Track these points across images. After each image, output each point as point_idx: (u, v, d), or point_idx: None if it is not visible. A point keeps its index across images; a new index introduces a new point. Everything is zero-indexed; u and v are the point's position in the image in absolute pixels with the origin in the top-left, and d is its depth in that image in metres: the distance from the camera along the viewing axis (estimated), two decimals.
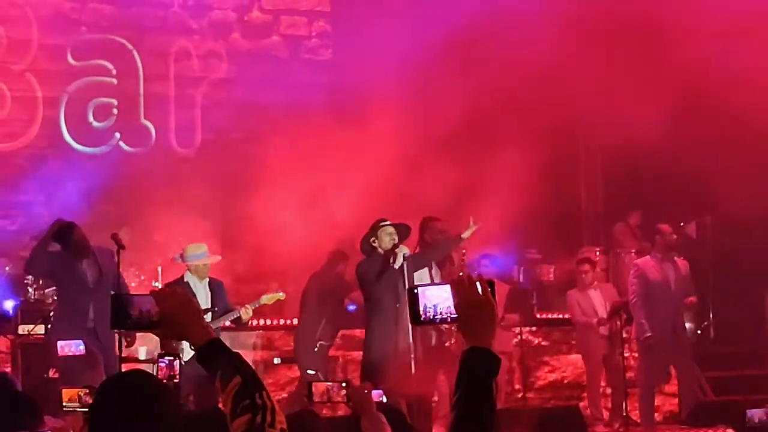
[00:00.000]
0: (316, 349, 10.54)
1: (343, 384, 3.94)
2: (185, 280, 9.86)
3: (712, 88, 11.80)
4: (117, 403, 2.84)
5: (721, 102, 11.97)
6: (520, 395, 11.98)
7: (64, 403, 5.60)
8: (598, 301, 11.66)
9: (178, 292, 2.97)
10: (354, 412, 3.87)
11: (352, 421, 3.81)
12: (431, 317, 2.84)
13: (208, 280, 9.89)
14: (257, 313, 10.39)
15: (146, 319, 2.92)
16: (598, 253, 13.53)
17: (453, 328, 2.57)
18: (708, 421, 10.44)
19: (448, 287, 2.82)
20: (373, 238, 9.47)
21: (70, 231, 9.51)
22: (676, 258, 11.25)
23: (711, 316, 13.40)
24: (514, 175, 11.46)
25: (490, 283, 2.83)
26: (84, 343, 9.04)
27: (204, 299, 9.74)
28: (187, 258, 9.85)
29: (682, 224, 12.00)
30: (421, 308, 2.83)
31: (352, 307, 11.32)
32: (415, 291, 2.85)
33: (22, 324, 10.97)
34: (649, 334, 10.90)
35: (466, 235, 9.79)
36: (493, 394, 2.73)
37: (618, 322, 11.64)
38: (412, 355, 8.88)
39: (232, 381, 2.83)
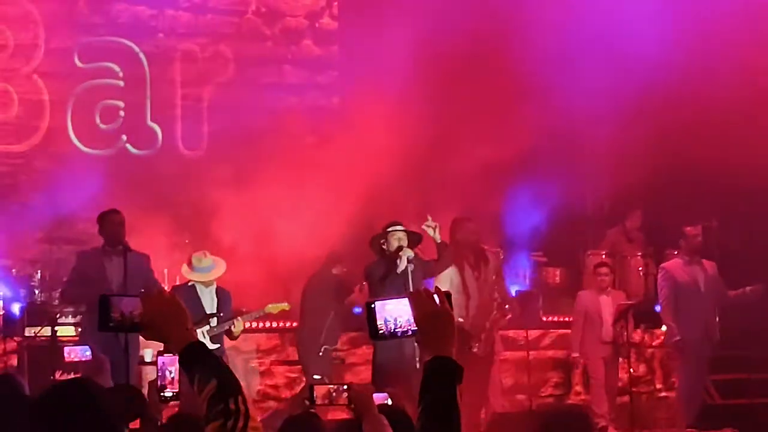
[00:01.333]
0: (321, 354, 10.51)
1: (345, 387, 3.95)
2: (191, 284, 9.86)
3: (720, 87, 11.83)
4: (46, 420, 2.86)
5: (729, 102, 11.99)
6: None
7: None
8: (606, 306, 11.64)
9: (165, 294, 2.96)
10: (356, 415, 3.88)
11: (355, 424, 3.81)
12: (392, 330, 2.85)
13: (215, 286, 9.91)
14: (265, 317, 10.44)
15: (129, 321, 2.92)
16: (604, 256, 13.51)
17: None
18: (714, 424, 10.44)
19: (406, 300, 2.84)
20: (382, 241, 9.50)
21: (105, 221, 9.49)
22: (703, 260, 11.23)
23: (717, 319, 13.36)
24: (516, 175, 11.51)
25: (447, 295, 2.87)
26: (90, 348, 9.07)
27: (210, 305, 9.76)
28: (194, 271, 9.87)
29: (688, 228, 11.94)
30: (380, 323, 2.85)
31: (358, 310, 11.31)
32: (372, 306, 2.87)
33: (28, 326, 10.98)
34: (677, 338, 10.93)
35: (437, 237, 9.62)
36: (457, 401, 2.75)
37: (625, 326, 11.65)
38: (417, 358, 8.87)
39: (208, 385, 2.81)
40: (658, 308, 11.91)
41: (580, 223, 14.61)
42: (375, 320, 2.85)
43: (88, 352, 9.01)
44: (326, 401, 3.93)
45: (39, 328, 10.82)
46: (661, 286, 11.23)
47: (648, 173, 13.02)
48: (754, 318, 11.91)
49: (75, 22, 13.41)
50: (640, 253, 13.53)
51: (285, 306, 10.13)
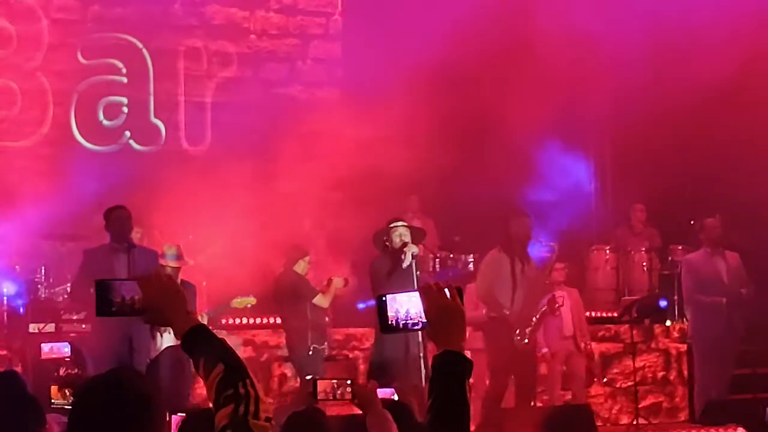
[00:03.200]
0: (310, 353, 10.37)
1: (348, 382, 3.94)
2: None
3: (724, 86, 11.80)
4: (95, 409, 2.72)
5: (733, 99, 11.97)
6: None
7: (52, 400, 5.60)
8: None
9: (163, 278, 2.91)
10: (360, 410, 3.87)
11: (359, 419, 3.80)
12: (403, 322, 2.86)
13: (179, 279, 9.87)
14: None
15: (129, 305, 2.89)
16: (608, 251, 13.50)
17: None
18: (720, 420, 10.41)
19: (416, 294, 2.87)
20: (385, 237, 9.49)
21: (110, 217, 9.53)
22: (726, 251, 11.20)
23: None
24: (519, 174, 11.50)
25: (458, 290, 2.88)
26: (70, 345, 9.13)
27: None
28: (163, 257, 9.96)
29: (692, 222, 11.94)
30: (391, 314, 2.86)
31: (361, 306, 11.29)
32: (384, 299, 2.87)
33: (32, 322, 10.98)
34: (689, 341, 10.98)
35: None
36: (467, 395, 2.76)
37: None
38: (421, 354, 8.86)
39: (215, 369, 2.75)
40: (663, 303, 11.91)
41: (584, 219, 14.58)
42: (386, 313, 2.86)
43: (67, 349, 9.05)
44: (329, 396, 3.92)
45: (43, 324, 10.82)
46: (684, 279, 11.22)
47: (657, 172, 13.05)
48: (757, 312, 11.88)
49: (78, 18, 13.40)
50: (644, 249, 13.51)
51: (251, 300, 10.06)
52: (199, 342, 2.82)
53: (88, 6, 13.46)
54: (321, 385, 3.94)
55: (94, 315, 9.20)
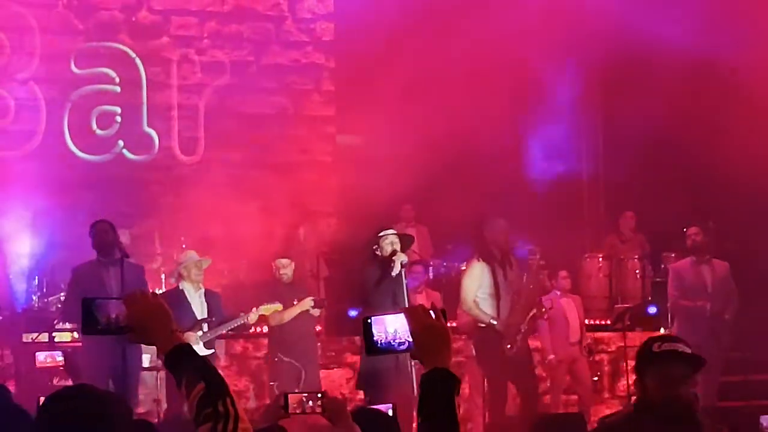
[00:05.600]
0: (276, 360, 10.35)
1: (319, 395, 3.96)
2: (180, 288, 9.87)
3: (719, 86, 11.84)
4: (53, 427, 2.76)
5: (727, 101, 11.99)
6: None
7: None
8: (570, 308, 11.67)
9: (148, 296, 2.94)
10: (330, 423, 3.89)
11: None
12: (390, 342, 2.89)
13: (203, 290, 9.91)
14: None
15: (114, 324, 2.92)
16: (600, 259, 13.51)
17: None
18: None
19: (402, 315, 2.90)
20: (375, 245, 9.46)
21: (93, 233, 9.54)
22: (714, 260, 11.17)
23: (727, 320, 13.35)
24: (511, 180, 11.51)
25: (443, 311, 2.92)
26: (64, 354, 9.13)
27: (199, 309, 9.75)
28: (182, 263, 9.89)
29: (685, 229, 11.95)
30: (376, 337, 2.89)
31: (353, 313, 11.28)
32: (369, 321, 2.90)
33: (26, 332, 10.99)
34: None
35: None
36: (455, 411, 2.79)
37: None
38: (412, 363, 8.84)
39: (196, 387, 2.79)
40: (652, 311, 11.93)
41: (577, 227, 14.62)
42: (372, 335, 2.89)
43: (60, 358, 9.05)
44: (299, 409, 3.94)
45: (36, 334, 10.83)
46: (669, 286, 11.23)
47: (641, 174, 13.06)
48: (751, 320, 11.89)
49: (71, 27, 13.42)
50: (636, 256, 13.53)
51: (278, 307, 10.04)
52: (182, 360, 2.85)
53: (81, 15, 13.46)
54: (292, 398, 3.97)
55: None
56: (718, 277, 11.05)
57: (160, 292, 11.05)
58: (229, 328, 9.81)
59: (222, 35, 13.96)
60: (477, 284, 10.12)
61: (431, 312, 2.89)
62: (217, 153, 13.49)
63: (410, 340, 2.86)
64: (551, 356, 11.40)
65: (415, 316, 2.87)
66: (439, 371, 2.82)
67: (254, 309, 9.87)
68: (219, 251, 11.66)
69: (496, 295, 10.05)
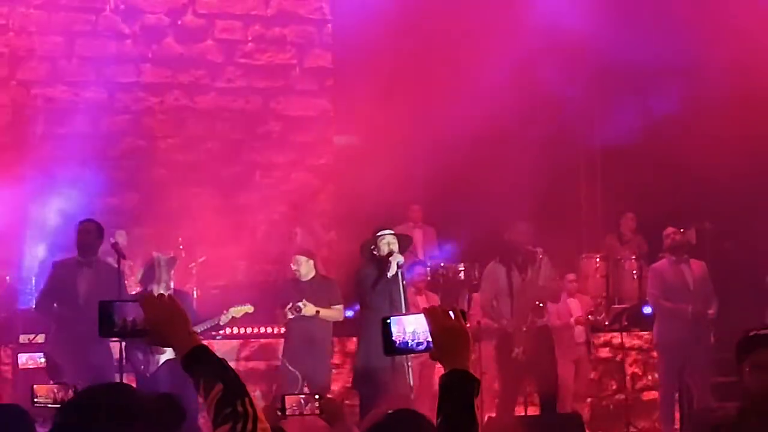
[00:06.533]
0: (280, 364, 10.31)
1: (317, 396, 3.96)
2: (149, 290, 9.71)
3: (718, 88, 11.86)
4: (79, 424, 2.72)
5: (725, 104, 12.00)
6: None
7: (36, 399, 5.61)
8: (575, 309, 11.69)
9: (164, 298, 2.93)
10: (328, 424, 3.89)
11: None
12: (408, 342, 2.91)
13: (172, 291, 9.77)
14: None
15: (131, 327, 2.92)
16: (598, 259, 13.51)
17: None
18: (705, 428, 10.39)
19: (421, 316, 2.92)
20: (372, 246, 9.46)
21: (76, 231, 9.49)
22: (691, 260, 11.16)
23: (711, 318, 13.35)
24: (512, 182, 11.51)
25: (462, 312, 2.94)
26: (46, 355, 9.09)
27: None
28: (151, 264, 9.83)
29: (682, 230, 11.95)
30: (395, 336, 2.90)
31: (349, 313, 11.26)
32: (388, 321, 2.91)
33: (23, 333, 10.98)
34: (655, 342, 11.01)
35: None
36: (475, 412, 2.81)
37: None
38: (408, 363, 8.85)
39: (214, 388, 2.79)
40: (646, 310, 11.94)
41: (574, 228, 14.62)
42: (390, 335, 2.90)
43: (42, 359, 9.01)
44: (297, 411, 3.94)
45: (33, 335, 10.81)
46: (649, 286, 11.24)
47: (646, 180, 13.07)
48: (751, 320, 11.90)
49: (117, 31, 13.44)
50: (633, 257, 13.54)
51: (249, 309, 9.87)
52: (200, 362, 2.85)
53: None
54: (289, 400, 3.97)
55: (55, 327, 9.09)
56: (698, 276, 11.05)
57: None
58: (203, 329, 9.73)
59: (266, 39, 13.94)
60: (493, 285, 10.22)
61: (451, 313, 2.91)
62: (209, 152, 13.45)
63: (429, 340, 2.88)
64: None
65: (435, 317, 2.89)
66: (458, 372, 2.84)
67: (225, 311, 9.74)
68: (218, 251, 11.67)
69: (510, 297, 10.06)
